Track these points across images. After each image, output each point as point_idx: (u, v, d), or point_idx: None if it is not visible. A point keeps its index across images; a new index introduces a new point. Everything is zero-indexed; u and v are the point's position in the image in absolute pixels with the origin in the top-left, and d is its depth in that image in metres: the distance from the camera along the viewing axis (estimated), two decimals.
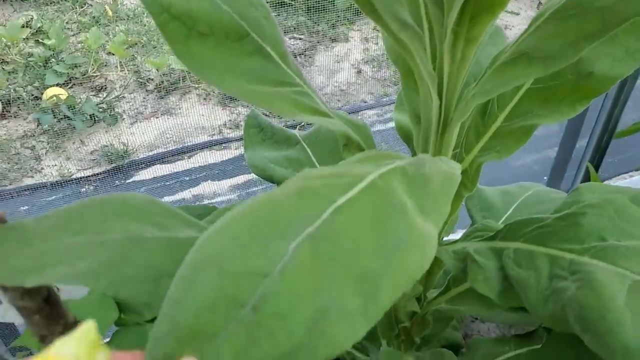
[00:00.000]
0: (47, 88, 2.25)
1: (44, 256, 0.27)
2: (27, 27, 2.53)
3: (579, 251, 0.31)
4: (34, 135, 2.16)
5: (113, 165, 2.08)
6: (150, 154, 2.15)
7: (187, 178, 2.06)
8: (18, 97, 2.23)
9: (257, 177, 0.62)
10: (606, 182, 1.22)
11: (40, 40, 2.49)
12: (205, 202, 1.98)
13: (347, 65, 2.72)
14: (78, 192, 1.99)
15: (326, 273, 0.20)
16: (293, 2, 2.78)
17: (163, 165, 2.11)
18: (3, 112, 2.21)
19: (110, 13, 2.72)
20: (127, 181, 2.06)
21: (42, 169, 2.06)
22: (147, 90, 2.43)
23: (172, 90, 2.42)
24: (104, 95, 2.33)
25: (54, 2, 2.70)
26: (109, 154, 2.11)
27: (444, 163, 0.29)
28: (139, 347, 0.21)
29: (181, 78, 2.44)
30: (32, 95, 2.26)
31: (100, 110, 2.22)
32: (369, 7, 0.33)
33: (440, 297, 0.49)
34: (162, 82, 2.43)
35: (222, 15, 0.35)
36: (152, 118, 2.31)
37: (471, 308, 0.46)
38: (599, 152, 1.13)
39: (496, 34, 0.51)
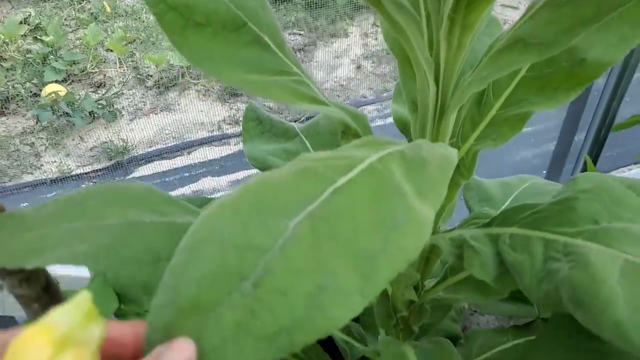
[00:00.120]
0: (46, 85, 2.25)
1: (43, 240, 0.28)
2: (25, 23, 2.53)
3: (573, 234, 0.32)
4: (33, 132, 2.16)
5: (112, 161, 2.08)
6: (150, 150, 2.15)
7: (187, 174, 2.07)
8: (17, 94, 2.23)
9: (256, 172, 0.62)
10: None
11: (39, 37, 2.48)
12: None
13: (346, 61, 2.72)
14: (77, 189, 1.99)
15: (325, 251, 0.20)
16: None
17: (162, 161, 2.12)
18: (2, 109, 2.21)
19: (108, 9, 2.72)
20: (127, 177, 2.07)
21: (42, 165, 2.06)
22: (146, 87, 2.42)
23: (171, 87, 2.42)
24: (103, 92, 2.32)
25: None
26: (108, 151, 2.11)
27: (441, 147, 0.29)
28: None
29: (180, 74, 2.44)
30: (31, 92, 2.26)
31: (100, 106, 2.22)
32: None
33: (437, 286, 0.49)
34: (161, 78, 2.42)
35: (219, 5, 0.35)
36: (151, 114, 2.31)
37: (468, 296, 0.47)
38: (597, 145, 1.13)
39: (493, 25, 0.51)
